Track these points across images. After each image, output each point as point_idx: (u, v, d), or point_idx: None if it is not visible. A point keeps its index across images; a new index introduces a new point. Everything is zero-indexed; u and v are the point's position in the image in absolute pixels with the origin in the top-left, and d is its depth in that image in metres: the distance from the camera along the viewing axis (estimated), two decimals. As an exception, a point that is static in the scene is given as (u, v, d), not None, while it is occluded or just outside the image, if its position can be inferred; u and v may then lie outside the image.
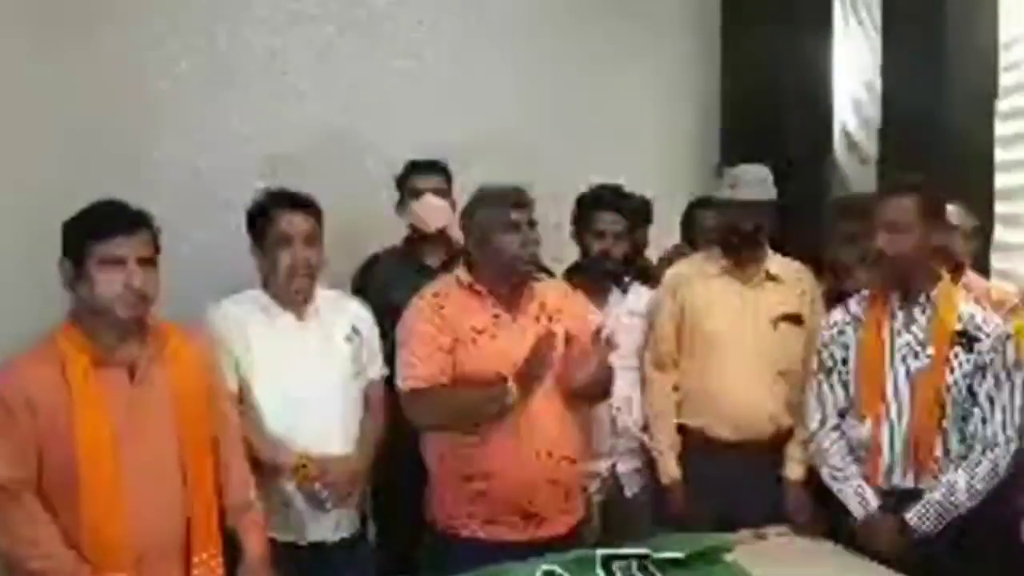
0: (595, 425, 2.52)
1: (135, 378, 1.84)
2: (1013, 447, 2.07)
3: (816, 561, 2.19)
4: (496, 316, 2.21)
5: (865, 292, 2.28)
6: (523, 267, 2.21)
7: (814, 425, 2.29)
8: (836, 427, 2.25)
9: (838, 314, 2.28)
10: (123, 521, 1.78)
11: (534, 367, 2.09)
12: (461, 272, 2.26)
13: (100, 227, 1.77)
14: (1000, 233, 2.89)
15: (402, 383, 2.21)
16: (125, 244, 1.77)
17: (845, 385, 2.24)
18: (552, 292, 2.32)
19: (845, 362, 2.23)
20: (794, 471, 2.47)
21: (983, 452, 2.07)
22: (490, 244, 2.20)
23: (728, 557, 2.08)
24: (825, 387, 2.28)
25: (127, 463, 1.79)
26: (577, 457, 2.25)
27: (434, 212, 2.79)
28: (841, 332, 2.25)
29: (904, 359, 2.14)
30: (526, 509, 2.18)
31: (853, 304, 2.27)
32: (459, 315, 2.19)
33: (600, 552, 2.00)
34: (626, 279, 2.74)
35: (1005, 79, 2.88)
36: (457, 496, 2.21)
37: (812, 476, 2.40)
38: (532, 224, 2.19)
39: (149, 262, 1.82)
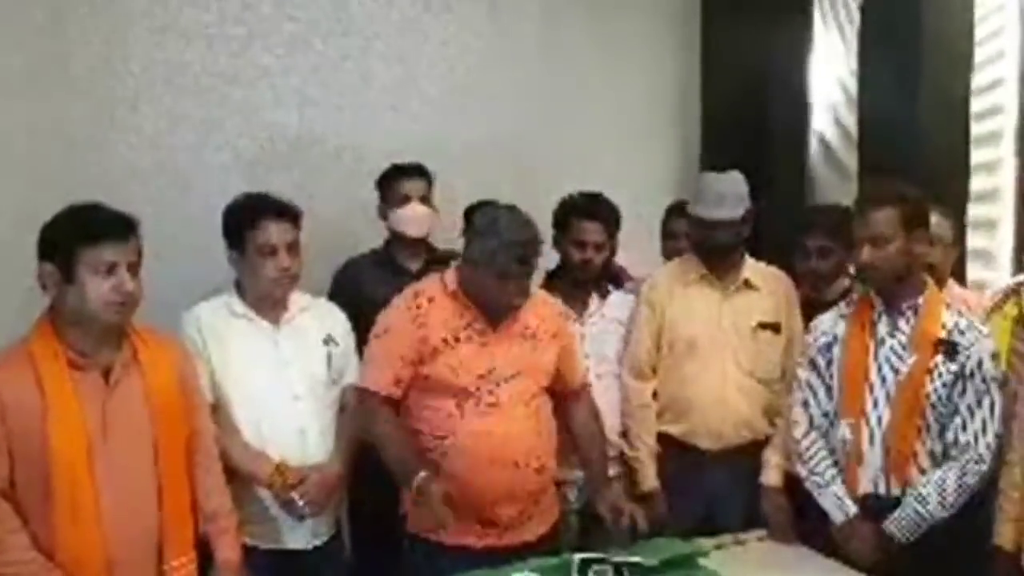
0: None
1: (110, 382, 1.83)
2: (990, 458, 2.06)
3: (792, 566, 2.20)
4: (473, 327, 2.19)
5: (853, 297, 2.28)
6: (505, 312, 2.19)
7: (798, 430, 2.29)
8: (819, 432, 2.25)
9: (824, 319, 2.28)
10: (95, 525, 1.77)
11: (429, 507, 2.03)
12: (449, 276, 2.23)
13: (91, 232, 1.76)
14: (974, 238, 2.90)
15: (360, 378, 2.23)
16: (117, 250, 1.77)
17: (829, 390, 2.24)
18: (536, 306, 2.28)
19: (829, 366, 2.23)
20: (771, 476, 2.47)
21: (961, 463, 2.07)
22: (482, 278, 2.14)
23: (704, 563, 2.09)
24: (808, 392, 2.28)
25: (100, 467, 1.79)
26: (545, 467, 2.22)
27: (417, 220, 2.79)
28: (826, 338, 2.24)
29: (886, 366, 2.13)
30: (487, 516, 2.17)
31: (839, 310, 2.26)
32: (436, 321, 2.17)
33: (577, 557, 2.00)
34: (607, 285, 2.73)
35: (979, 78, 2.89)
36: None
37: (790, 482, 2.41)
38: (531, 274, 2.16)
39: (136, 268, 1.82)
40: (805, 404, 2.28)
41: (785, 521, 2.37)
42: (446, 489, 2.02)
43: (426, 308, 2.18)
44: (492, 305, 2.17)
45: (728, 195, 2.52)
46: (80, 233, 1.76)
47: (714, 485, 2.53)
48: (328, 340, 2.34)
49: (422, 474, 2.04)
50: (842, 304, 2.29)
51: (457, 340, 2.16)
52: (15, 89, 2.76)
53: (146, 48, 2.96)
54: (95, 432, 1.79)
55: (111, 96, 2.91)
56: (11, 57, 2.77)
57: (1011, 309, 2.26)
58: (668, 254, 2.98)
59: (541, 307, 2.30)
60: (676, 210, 3.05)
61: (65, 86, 2.84)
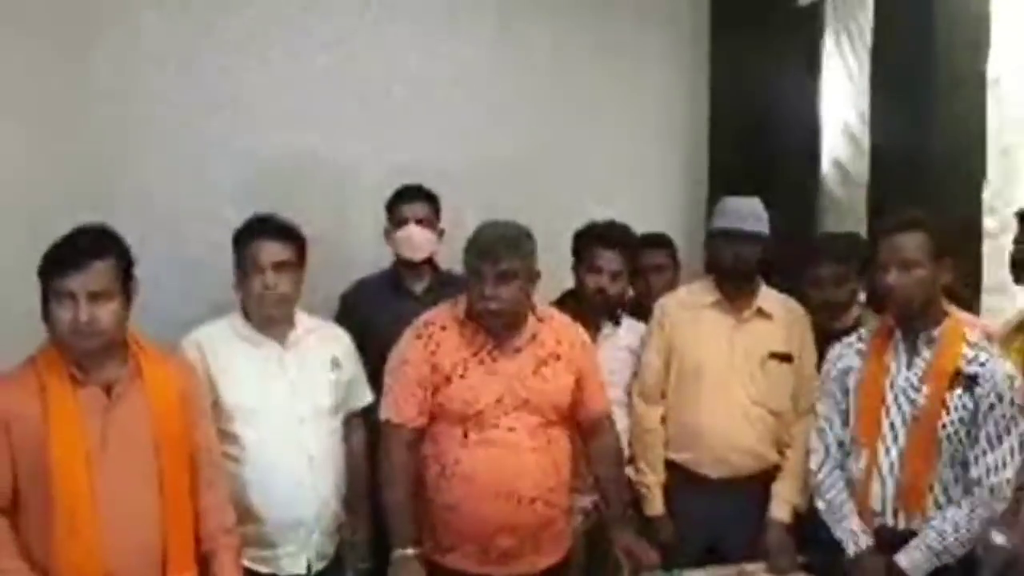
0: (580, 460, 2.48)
1: (111, 396, 1.83)
2: (1009, 493, 2.02)
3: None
4: (483, 353, 2.16)
5: (871, 326, 2.26)
6: (481, 317, 2.15)
7: (814, 460, 2.26)
8: (835, 463, 2.23)
9: (842, 349, 2.25)
10: (94, 538, 1.77)
11: None
12: (460, 303, 2.22)
13: (53, 262, 1.78)
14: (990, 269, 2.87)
15: (382, 411, 2.20)
16: (74, 280, 1.76)
17: (845, 421, 2.21)
18: (556, 328, 2.26)
19: (846, 397, 2.20)
20: (780, 510, 2.44)
21: (978, 499, 2.03)
22: (469, 288, 2.17)
23: None
24: (824, 423, 2.25)
25: (100, 480, 1.79)
26: (551, 502, 2.17)
27: (416, 243, 2.78)
28: (843, 367, 2.22)
29: (902, 397, 2.10)
30: (486, 546, 2.13)
31: (857, 339, 2.24)
32: (446, 349, 2.16)
33: None
34: (619, 312, 2.71)
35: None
36: (425, 522, 2.19)
37: (798, 518, 2.38)
38: (505, 276, 2.09)
39: (103, 296, 1.78)
40: (822, 434, 2.25)
41: (787, 561, 2.33)
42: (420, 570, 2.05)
43: (437, 337, 2.17)
44: (482, 318, 2.15)
45: (750, 214, 2.51)
46: (46, 262, 1.78)
47: (720, 514, 2.49)
48: (334, 364, 2.32)
49: (404, 552, 2.06)
50: (860, 333, 2.26)
51: (467, 368, 2.15)
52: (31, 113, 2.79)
53: (156, 75, 2.97)
54: (95, 445, 1.79)
55: (121, 121, 2.92)
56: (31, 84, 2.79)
57: (1021, 344, 2.23)
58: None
59: (562, 330, 2.27)
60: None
61: (79, 113, 2.86)
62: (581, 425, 2.31)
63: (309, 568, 2.24)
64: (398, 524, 2.11)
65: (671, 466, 2.57)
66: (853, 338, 2.25)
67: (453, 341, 2.16)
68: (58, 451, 1.75)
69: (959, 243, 2.54)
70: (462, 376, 2.14)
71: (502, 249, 2.10)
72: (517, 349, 2.18)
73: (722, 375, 2.51)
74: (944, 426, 2.05)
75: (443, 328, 2.18)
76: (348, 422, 2.38)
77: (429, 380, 2.14)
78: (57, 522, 1.75)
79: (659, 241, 3.01)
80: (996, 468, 2.02)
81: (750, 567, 2.30)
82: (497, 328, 2.16)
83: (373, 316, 2.60)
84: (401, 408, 2.16)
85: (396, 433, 2.16)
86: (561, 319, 2.31)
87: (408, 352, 2.18)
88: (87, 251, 1.78)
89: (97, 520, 1.77)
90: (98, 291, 1.77)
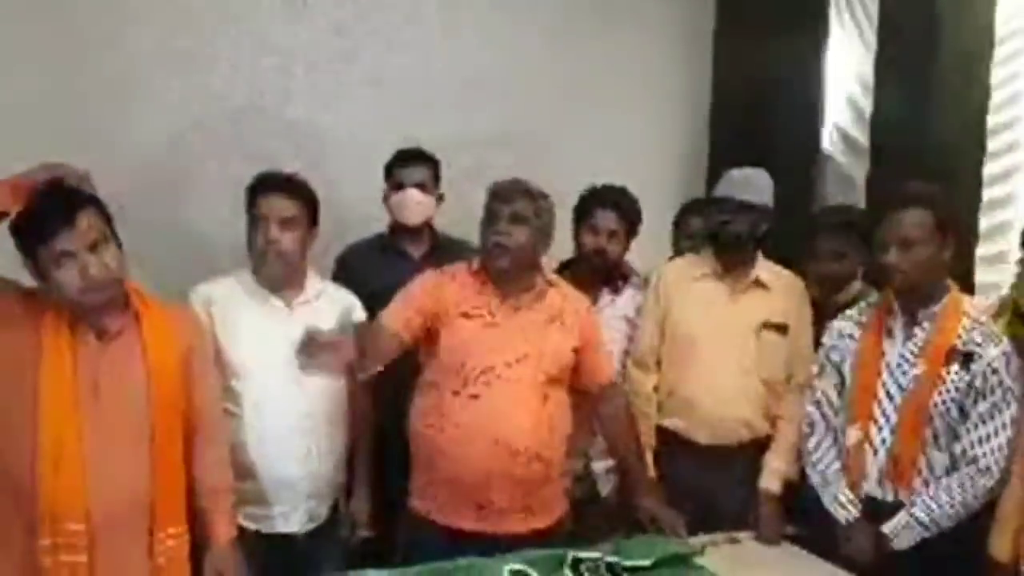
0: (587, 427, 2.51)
1: (105, 339, 1.82)
2: (998, 470, 2.02)
3: (788, 566, 2.19)
4: (490, 306, 2.21)
5: (871, 300, 2.26)
6: (489, 256, 2.20)
7: (809, 432, 2.27)
8: (830, 436, 2.24)
9: (843, 322, 2.26)
10: (79, 478, 1.75)
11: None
12: (476, 259, 2.28)
13: (41, 229, 1.73)
14: (985, 245, 2.88)
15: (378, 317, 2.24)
16: (68, 237, 1.72)
17: (841, 395, 2.22)
18: (562, 295, 2.31)
19: (842, 371, 2.21)
20: (770, 481, 2.45)
21: (967, 474, 2.04)
22: (481, 232, 2.24)
23: (700, 561, 2.07)
24: (820, 394, 2.26)
25: (88, 422, 1.77)
26: (547, 459, 2.20)
27: (413, 207, 2.76)
28: (842, 339, 2.23)
29: (897, 373, 2.11)
30: (480, 501, 2.16)
31: (858, 313, 2.24)
32: (455, 293, 2.22)
33: (571, 554, 1.99)
34: (619, 282, 2.73)
35: (996, 96, 2.87)
36: (421, 477, 2.22)
37: (788, 489, 2.41)
38: (518, 217, 2.17)
39: (100, 242, 1.76)
40: (818, 406, 2.27)
41: (773, 531, 2.35)
42: None
43: (449, 280, 2.25)
44: (490, 258, 2.19)
45: (746, 184, 2.50)
46: (32, 232, 1.74)
47: (710, 481, 2.50)
48: (342, 329, 2.31)
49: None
50: (860, 306, 2.27)
51: (469, 316, 2.19)
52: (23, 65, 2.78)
53: (156, 33, 2.95)
54: (86, 389, 1.77)
55: (114, 78, 2.91)
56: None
57: (1004, 327, 2.20)
58: (680, 254, 2.95)
59: (569, 296, 2.33)
60: (692, 208, 3.03)
61: (72, 65, 2.84)
62: (590, 393, 2.36)
63: (301, 529, 2.25)
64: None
65: (662, 432, 2.58)
66: (854, 311, 2.26)
67: (463, 290, 2.23)
68: (47, 388, 1.74)
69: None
70: (463, 321, 2.18)
71: (518, 194, 2.19)
72: (522, 306, 2.23)
73: (716, 344, 2.51)
74: (936, 404, 2.05)
75: (455, 277, 2.25)
76: (353, 388, 2.37)
77: (429, 309, 2.19)
78: (40, 459, 1.73)
79: None
80: (984, 442, 2.03)
81: (739, 535, 2.32)
82: (502, 271, 2.20)
83: (369, 279, 2.58)
84: (393, 314, 2.19)
85: (377, 327, 2.16)
86: (569, 288, 2.36)
87: (420, 280, 2.26)
88: (67, 207, 1.74)
89: (82, 462, 1.75)
90: (95, 240, 1.75)
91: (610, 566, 1.97)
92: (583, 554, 1.99)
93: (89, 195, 1.78)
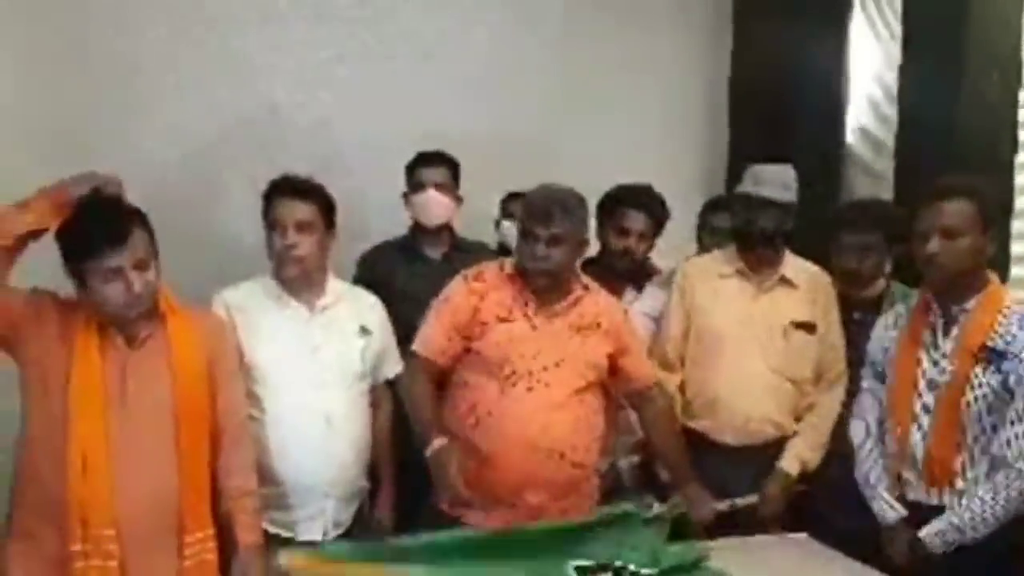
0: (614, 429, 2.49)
1: (134, 344, 1.85)
2: None
3: (801, 564, 2.14)
4: (527, 309, 2.21)
5: (908, 299, 2.23)
6: (528, 274, 2.20)
7: (857, 435, 2.24)
8: (876, 437, 2.21)
9: (885, 321, 2.23)
10: (106, 483, 1.79)
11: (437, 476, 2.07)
12: (508, 261, 2.28)
13: (91, 247, 1.77)
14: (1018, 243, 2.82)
15: (414, 343, 2.25)
16: (118, 256, 1.77)
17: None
18: (597, 300, 2.30)
19: (885, 372, 2.18)
20: (788, 463, 2.45)
21: (1005, 477, 1.98)
22: (518, 247, 2.22)
23: (711, 563, 2.02)
24: (867, 396, 2.24)
25: (115, 427, 1.81)
26: (581, 462, 2.21)
27: (433, 208, 2.76)
28: (885, 342, 2.20)
29: (932, 372, 2.07)
30: (514, 501, 2.15)
31: (901, 310, 2.21)
32: (491, 298, 2.21)
33: (573, 564, 1.92)
34: (643, 280, 2.71)
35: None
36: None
37: (805, 477, 2.42)
38: (557, 239, 2.15)
39: (145, 261, 1.81)
40: (865, 408, 2.24)
41: (773, 509, 2.38)
42: (460, 456, 2.04)
43: (484, 287, 2.22)
44: (529, 277, 2.19)
45: (771, 180, 2.47)
46: (80, 247, 1.78)
47: (736, 481, 2.46)
48: (363, 331, 2.31)
49: (441, 441, 2.06)
50: (897, 309, 2.23)
51: (508, 320, 2.19)
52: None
53: (176, 40, 2.97)
54: (114, 392, 1.81)
55: (130, 85, 2.93)
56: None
57: None
58: (705, 251, 2.93)
59: (604, 302, 2.32)
60: (717, 205, 2.99)
61: (85, 73, 2.87)
62: (630, 397, 2.37)
63: (325, 535, 2.23)
64: (431, 423, 2.13)
65: (687, 432, 2.54)
66: (900, 308, 2.22)
67: (498, 293, 2.22)
68: (76, 393, 1.78)
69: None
70: (502, 325, 2.18)
71: (557, 213, 2.15)
72: (559, 312, 2.23)
73: (741, 343, 2.49)
74: (969, 403, 2.01)
75: (490, 282, 2.23)
76: (376, 392, 2.37)
77: (466, 326, 2.19)
78: (69, 463, 1.77)
79: None
80: (1015, 442, 1.97)
81: (741, 500, 2.33)
82: (541, 287, 2.20)
83: (389, 280, 2.60)
84: (430, 341, 2.21)
85: (418, 363, 2.22)
86: (604, 294, 2.35)
87: (454, 294, 2.23)
88: (119, 227, 1.78)
89: (110, 467, 1.79)
90: (141, 258, 1.80)
91: (618, 573, 1.92)
92: (587, 564, 1.93)
93: (136, 210, 1.82)
